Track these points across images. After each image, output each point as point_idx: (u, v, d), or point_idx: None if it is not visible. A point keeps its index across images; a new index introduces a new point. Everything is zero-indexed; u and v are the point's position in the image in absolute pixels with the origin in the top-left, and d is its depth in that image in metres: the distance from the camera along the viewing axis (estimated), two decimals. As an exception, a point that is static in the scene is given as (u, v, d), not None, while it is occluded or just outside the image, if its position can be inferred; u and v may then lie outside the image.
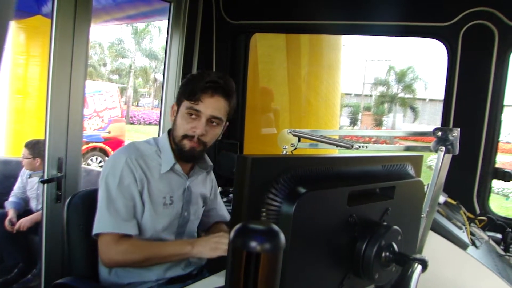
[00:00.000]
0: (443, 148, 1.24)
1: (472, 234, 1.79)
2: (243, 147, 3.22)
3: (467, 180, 2.45)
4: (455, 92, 2.46)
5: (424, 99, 32.71)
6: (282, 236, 0.52)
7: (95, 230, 1.55)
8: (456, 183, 1.82)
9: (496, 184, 9.80)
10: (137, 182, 1.58)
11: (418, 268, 0.81)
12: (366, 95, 35.27)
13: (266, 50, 3.75)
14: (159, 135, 2.18)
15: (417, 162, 1.06)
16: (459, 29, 2.43)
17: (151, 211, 1.61)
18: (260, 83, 3.76)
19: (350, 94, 35.30)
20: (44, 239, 2.24)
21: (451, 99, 2.47)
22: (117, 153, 1.66)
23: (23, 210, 3.45)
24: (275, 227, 0.53)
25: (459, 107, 2.46)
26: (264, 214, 0.70)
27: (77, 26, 2.19)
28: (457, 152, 1.24)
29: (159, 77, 26.35)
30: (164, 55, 3.09)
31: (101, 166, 7.92)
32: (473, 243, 1.69)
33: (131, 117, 23.01)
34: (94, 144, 8.65)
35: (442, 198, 1.92)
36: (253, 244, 0.51)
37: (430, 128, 1.29)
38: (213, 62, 3.08)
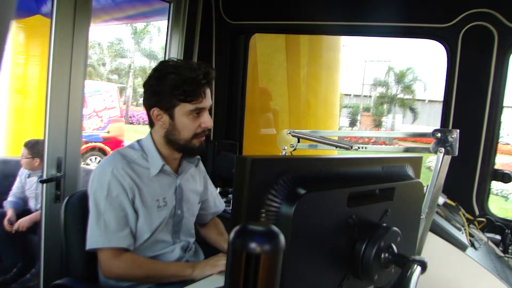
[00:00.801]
0: (443, 149, 1.24)
1: (471, 235, 1.79)
2: (242, 147, 3.22)
3: (466, 181, 2.45)
4: (454, 93, 2.46)
5: (424, 100, 32.71)
6: (281, 237, 0.52)
7: (87, 245, 1.55)
8: (455, 184, 1.82)
9: (495, 185, 9.82)
10: (127, 191, 1.56)
11: (417, 269, 0.81)
12: (365, 96, 35.27)
13: (266, 51, 3.76)
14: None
15: (416, 163, 1.06)
16: (459, 30, 2.44)
17: (146, 216, 1.60)
18: (260, 84, 3.76)
19: (350, 95, 35.29)
20: (43, 239, 2.24)
21: (451, 100, 2.47)
22: (102, 165, 1.62)
23: (22, 209, 3.44)
24: (275, 228, 0.53)
25: (459, 108, 2.46)
26: (263, 215, 0.70)
27: (76, 26, 2.19)
28: (456, 153, 1.25)
29: (159, 77, 26.16)
30: (163, 55, 3.09)
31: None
32: (472, 245, 1.69)
33: (130, 117, 22.98)
34: (93, 144, 8.64)
35: (441, 199, 1.92)
36: (253, 245, 0.51)
37: (429, 129, 1.29)
38: (212, 62, 3.08)
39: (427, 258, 0.83)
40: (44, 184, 2.21)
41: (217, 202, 1.99)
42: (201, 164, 1.89)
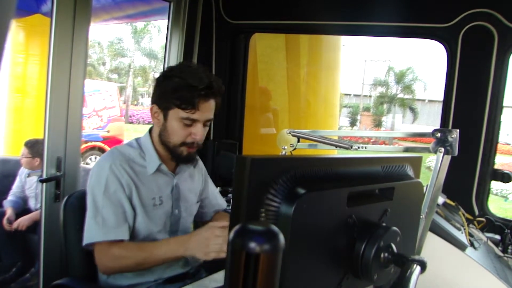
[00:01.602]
0: (442, 149, 1.24)
1: (470, 235, 1.79)
2: (242, 147, 3.22)
3: (466, 181, 2.45)
4: (454, 93, 2.46)
5: (424, 100, 32.74)
6: (281, 237, 0.52)
7: (84, 241, 1.53)
8: (455, 184, 1.82)
9: (495, 185, 9.83)
10: (124, 188, 1.56)
11: (417, 269, 0.81)
12: (365, 96, 35.30)
13: (266, 50, 3.75)
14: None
15: (416, 163, 1.06)
16: (459, 30, 2.44)
17: (143, 214, 1.60)
18: (260, 83, 3.76)
19: (349, 95, 35.31)
20: (43, 238, 2.24)
21: (451, 100, 2.47)
22: (101, 161, 1.62)
23: (22, 209, 3.44)
24: (274, 227, 0.53)
25: (459, 108, 2.46)
26: (263, 214, 0.70)
27: (76, 25, 2.19)
28: (456, 153, 1.25)
29: (159, 76, 26.20)
30: (163, 55, 3.09)
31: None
32: (472, 244, 1.69)
33: (130, 116, 22.98)
34: (93, 143, 8.64)
35: (441, 199, 1.92)
36: (252, 244, 0.51)
37: (429, 129, 1.29)
38: (212, 62, 3.08)
39: (426, 257, 0.83)
40: (44, 184, 2.21)
41: (219, 200, 1.98)
42: (200, 163, 1.88)
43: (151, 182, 1.64)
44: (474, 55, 2.43)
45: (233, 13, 3.03)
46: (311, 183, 0.74)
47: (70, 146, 2.26)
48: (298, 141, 1.70)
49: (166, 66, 2.95)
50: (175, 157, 1.66)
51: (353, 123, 32.13)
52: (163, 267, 1.65)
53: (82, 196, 1.67)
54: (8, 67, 5.28)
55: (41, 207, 2.27)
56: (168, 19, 2.93)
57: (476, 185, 2.46)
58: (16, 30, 5.08)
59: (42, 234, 2.24)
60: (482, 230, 2.16)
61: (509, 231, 2.10)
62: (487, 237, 2.06)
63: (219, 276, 1.57)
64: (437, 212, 1.68)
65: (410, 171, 1.03)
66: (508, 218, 2.41)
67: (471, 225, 2.03)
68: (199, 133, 1.59)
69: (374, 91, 34.26)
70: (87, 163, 8.19)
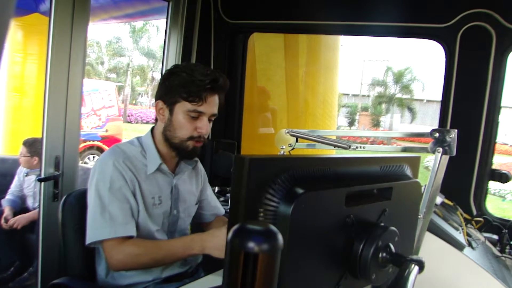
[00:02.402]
0: (440, 149, 1.24)
1: (468, 235, 1.80)
2: (241, 147, 3.22)
3: (464, 181, 2.46)
4: (452, 93, 2.47)
5: (422, 100, 32.76)
6: (279, 237, 0.52)
7: (90, 239, 1.52)
8: (453, 184, 1.83)
9: (493, 185, 9.85)
10: (129, 184, 1.56)
11: (415, 269, 0.82)
12: (363, 96, 35.29)
13: (264, 50, 3.75)
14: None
15: (414, 163, 1.06)
16: (457, 30, 2.44)
17: (144, 211, 1.60)
18: (258, 83, 3.76)
19: (348, 95, 35.32)
20: (41, 237, 2.24)
21: (449, 100, 2.48)
22: (103, 157, 1.61)
23: (20, 208, 3.44)
24: (273, 227, 0.53)
25: (457, 108, 2.47)
26: (261, 214, 0.70)
27: (75, 24, 2.18)
28: (454, 153, 1.25)
29: (157, 75, 26.30)
30: (162, 54, 3.09)
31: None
32: (470, 244, 1.70)
33: (128, 116, 22.96)
34: (91, 142, 8.63)
35: (439, 199, 1.92)
36: (251, 244, 0.51)
37: (427, 129, 1.29)
38: (211, 62, 3.08)
39: (424, 257, 0.83)
40: (42, 183, 2.21)
41: (218, 204, 1.98)
42: (199, 166, 1.88)
43: (151, 181, 1.63)
44: (472, 55, 2.44)
45: (232, 13, 3.03)
46: (310, 183, 0.74)
47: (69, 146, 2.25)
48: (297, 140, 1.70)
49: (164, 65, 2.96)
50: (180, 152, 1.65)
51: (351, 123, 32.14)
52: (162, 267, 1.64)
53: (81, 196, 1.66)
54: (6, 66, 5.27)
55: (39, 206, 2.26)
56: (167, 18, 2.93)
57: (474, 185, 2.46)
58: (14, 29, 5.08)
59: (40, 233, 2.24)
60: (480, 230, 2.17)
61: (506, 231, 2.10)
62: (485, 237, 2.06)
63: (218, 276, 1.57)
64: (435, 212, 1.68)
65: (408, 171, 1.03)
66: (506, 218, 2.42)
67: (469, 225, 2.04)
68: (205, 126, 1.60)
69: (372, 91, 34.27)
70: (85, 163, 8.19)
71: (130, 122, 22.24)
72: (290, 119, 3.94)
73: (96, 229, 1.52)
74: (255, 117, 3.77)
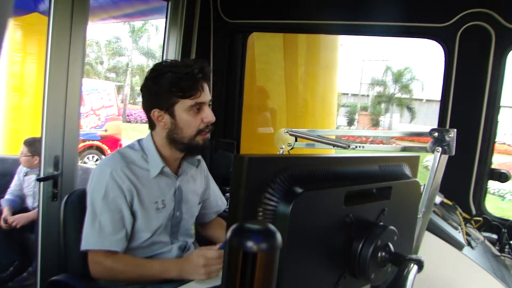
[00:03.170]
0: (440, 149, 1.24)
1: (467, 234, 1.80)
2: (240, 146, 3.22)
3: (463, 180, 2.46)
4: (452, 93, 2.47)
5: (421, 100, 32.76)
6: (278, 236, 0.52)
7: (82, 246, 1.54)
8: (452, 183, 1.83)
9: (492, 184, 9.85)
10: (125, 194, 1.55)
11: (414, 268, 0.82)
12: (363, 95, 35.27)
13: (263, 50, 3.75)
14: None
15: (413, 162, 1.06)
16: (457, 30, 2.44)
17: (144, 218, 1.60)
18: (257, 83, 3.76)
19: (347, 94, 35.31)
20: (40, 237, 2.24)
21: (448, 100, 2.48)
22: (102, 165, 1.61)
23: (19, 208, 3.43)
24: (272, 227, 0.53)
25: (456, 108, 2.47)
26: (260, 213, 0.70)
27: (74, 24, 2.18)
28: (453, 152, 1.25)
29: (156, 75, 26.13)
30: (161, 54, 3.09)
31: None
32: (469, 244, 1.70)
33: (128, 116, 22.95)
34: (90, 142, 8.63)
35: (438, 199, 1.92)
36: (250, 243, 0.51)
37: (427, 128, 1.29)
38: (210, 61, 3.08)
39: (423, 257, 0.84)
40: (41, 183, 2.21)
41: (219, 201, 1.97)
42: (202, 164, 1.87)
43: (153, 185, 1.63)
44: (472, 55, 2.44)
45: (231, 13, 3.03)
46: (309, 182, 0.74)
47: (68, 145, 2.25)
48: (296, 140, 1.70)
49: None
50: (190, 150, 1.65)
51: (350, 123, 32.14)
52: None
53: (82, 195, 1.67)
54: (5, 66, 5.27)
55: (38, 206, 2.26)
56: (166, 18, 2.93)
57: (474, 184, 2.46)
58: (13, 29, 5.08)
59: (40, 232, 2.24)
60: (479, 229, 2.17)
61: (506, 231, 2.10)
62: (484, 237, 2.07)
63: (217, 276, 1.57)
64: (434, 212, 1.68)
65: (407, 171, 1.03)
66: (505, 217, 2.42)
67: (468, 225, 2.04)
68: (209, 114, 1.60)
69: (372, 91, 34.26)
70: (84, 162, 8.19)
71: (129, 121, 22.23)
72: (290, 118, 3.94)
73: (86, 238, 1.54)
74: (255, 117, 3.77)
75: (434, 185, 1.24)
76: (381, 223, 0.86)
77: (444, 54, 2.51)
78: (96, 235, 1.52)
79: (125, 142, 8.97)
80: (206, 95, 1.59)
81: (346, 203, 0.78)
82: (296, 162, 0.77)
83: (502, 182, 2.51)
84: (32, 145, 3.40)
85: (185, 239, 1.77)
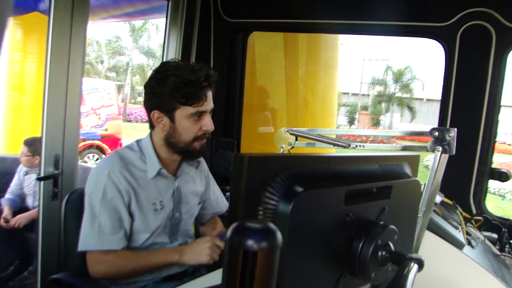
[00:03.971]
0: (440, 148, 1.24)
1: (468, 234, 1.80)
2: (240, 145, 3.22)
3: (463, 180, 2.46)
4: (452, 92, 2.47)
5: (422, 99, 32.78)
6: (279, 235, 0.52)
7: (80, 247, 1.54)
8: (452, 183, 1.83)
9: (493, 184, 9.85)
10: (123, 195, 1.55)
11: (414, 267, 0.82)
12: (363, 95, 35.30)
13: (264, 49, 3.75)
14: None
15: (414, 162, 1.06)
16: (457, 29, 2.44)
17: (142, 219, 1.60)
18: (258, 82, 3.76)
19: (348, 93, 35.33)
20: (41, 236, 2.24)
21: (449, 99, 2.48)
22: (100, 166, 1.61)
23: (19, 207, 3.43)
24: (272, 225, 0.53)
25: (456, 107, 2.47)
26: (261, 212, 0.70)
27: (74, 23, 2.18)
28: (453, 152, 1.25)
29: (157, 75, 26.14)
30: (161, 53, 3.09)
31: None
32: (469, 243, 1.70)
33: (128, 115, 22.98)
34: (91, 141, 8.63)
35: (438, 198, 1.92)
36: (250, 242, 0.51)
37: (427, 128, 1.29)
38: (210, 60, 3.08)
39: (424, 256, 0.83)
40: (42, 182, 2.21)
41: (220, 202, 1.96)
42: (203, 164, 1.87)
43: (151, 187, 1.62)
44: (472, 54, 2.44)
45: (231, 12, 3.03)
46: (309, 181, 0.74)
47: (68, 145, 2.25)
48: (296, 139, 1.70)
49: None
50: (187, 154, 1.65)
51: (351, 122, 32.16)
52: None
53: (83, 194, 1.66)
54: (5, 65, 5.27)
55: (38, 205, 2.26)
56: (167, 17, 2.93)
57: (474, 184, 2.46)
58: (14, 28, 5.08)
59: (40, 232, 2.24)
60: (480, 229, 2.17)
61: (506, 230, 2.10)
62: (485, 236, 2.07)
63: (217, 274, 1.57)
64: (434, 211, 1.68)
65: (407, 170, 1.03)
66: (506, 217, 2.42)
67: (468, 224, 2.04)
68: (209, 123, 1.59)
69: (372, 90, 34.27)
70: (85, 161, 8.19)
71: (129, 121, 22.25)
72: (290, 118, 3.94)
73: (85, 239, 1.54)
74: (255, 116, 3.77)
75: (435, 184, 1.24)
76: (382, 222, 0.86)
77: (445, 53, 2.51)
78: (96, 236, 1.52)
79: (125, 141, 8.97)
80: (209, 104, 1.58)
81: (346, 202, 0.78)
82: (296, 161, 0.77)
83: (503, 182, 2.52)
84: (32, 145, 3.40)
85: (185, 239, 1.77)
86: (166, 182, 1.67)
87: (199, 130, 1.59)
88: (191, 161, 1.75)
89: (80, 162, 4.56)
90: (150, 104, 1.60)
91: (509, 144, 22.45)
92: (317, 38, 3.99)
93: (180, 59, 2.90)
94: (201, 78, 1.53)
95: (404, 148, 1.47)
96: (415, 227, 1.12)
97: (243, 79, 3.20)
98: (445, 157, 1.25)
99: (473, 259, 1.53)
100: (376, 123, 30.84)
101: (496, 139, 2.56)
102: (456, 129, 1.24)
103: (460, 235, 1.64)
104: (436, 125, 1.53)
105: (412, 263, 0.82)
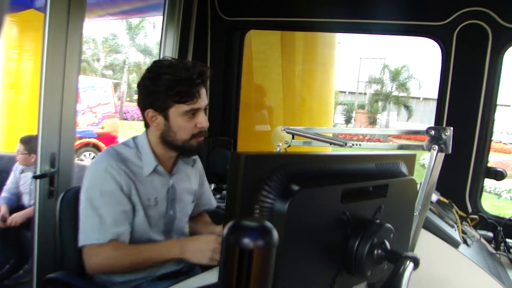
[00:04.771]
0: (436, 147, 1.25)
1: (463, 232, 1.81)
2: (237, 144, 3.22)
3: (459, 179, 2.47)
4: (449, 91, 2.47)
5: (418, 98, 32.86)
6: (275, 233, 0.52)
7: (81, 242, 1.52)
8: (448, 181, 1.83)
9: (488, 183, 9.90)
10: (123, 186, 1.54)
11: (410, 265, 0.82)
12: (360, 93, 35.34)
13: (261, 47, 3.75)
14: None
15: (410, 160, 1.06)
16: (454, 28, 2.45)
17: (142, 211, 1.59)
18: (255, 80, 3.75)
19: (345, 92, 35.36)
20: (36, 234, 2.23)
21: (445, 98, 2.48)
22: (97, 161, 1.60)
23: (15, 205, 3.42)
24: (268, 224, 0.53)
25: (453, 106, 2.47)
26: (257, 211, 0.70)
27: (71, 21, 2.17)
28: (450, 151, 1.25)
29: (153, 73, 26.07)
30: (158, 51, 3.08)
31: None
32: (465, 242, 1.71)
33: (124, 113, 22.92)
34: (87, 139, 8.61)
35: (434, 197, 1.93)
36: (246, 240, 0.51)
37: (423, 127, 1.30)
38: (207, 59, 3.07)
39: (419, 254, 0.84)
40: (38, 180, 2.20)
41: (212, 199, 1.98)
42: (199, 163, 1.87)
43: (147, 183, 1.62)
44: (469, 53, 2.44)
45: (229, 10, 3.02)
46: (306, 180, 0.74)
47: (64, 143, 2.25)
48: (293, 138, 1.70)
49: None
50: (185, 152, 1.65)
51: (348, 121, 32.18)
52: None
53: (79, 192, 1.66)
54: (1, 62, 5.25)
55: (34, 204, 2.26)
56: (163, 15, 2.92)
57: (470, 182, 2.47)
58: (9, 25, 5.05)
59: (36, 230, 2.23)
60: (475, 227, 2.18)
61: (501, 229, 2.11)
62: (480, 235, 2.07)
63: (212, 274, 1.57)
64: (430, 210, 1.69)
65: (404, 169, 1.03)
66: (501, 215, 2.43)
67: (464, 223, 2.05)
68: (204, 120, 1.59)
69: (369, 89, 34.30)
70: (81, 160, 8.17)
71: (126, 119, 22.20)
72: (286, 116, 3.94)
73: (86, 233, 1.52)
74: (252, 115, 3.77)
75: (431, 183, 1.25)
76: (378, 221, 0.86)
77: (441, 52, 2.52)
78: (98, 229, 1.50)
79: (121, 139, 8.94)
80: (203, 101, 1.58)
81: (342, 200, 0.78)
82: (293, 160, 0.77)
83: (498, 180, 2.53)
84: (29, 143, 3.39)
85: (179, 238, 1.76)
86: (161, 179, 1.67)
87: (194, 127, 1.59)
88: (187, 159, 1.75)
89: (76, 160, 4.54)
90: (144, 103, 1.60)
91: (505, 143, 22.54)
92: (314, 36, 3.99)
93: (177, 57, 2.90)
94: (194, 75, 1.53)
95: (401, 147, 1.47)
96: (411, 226, 1.12)
97: (240, 77, 3.20)
98: (441, 155, 1.26)
99: (469, 258, 1.54)
100: (372, 122, 30.87)
101: (492, 138, 2.57)
102: (452, 128, 1.24)
103: (455, 234, 1.65)
104: (432, 124, 1.53)
105: (408, 262, 0.82)
